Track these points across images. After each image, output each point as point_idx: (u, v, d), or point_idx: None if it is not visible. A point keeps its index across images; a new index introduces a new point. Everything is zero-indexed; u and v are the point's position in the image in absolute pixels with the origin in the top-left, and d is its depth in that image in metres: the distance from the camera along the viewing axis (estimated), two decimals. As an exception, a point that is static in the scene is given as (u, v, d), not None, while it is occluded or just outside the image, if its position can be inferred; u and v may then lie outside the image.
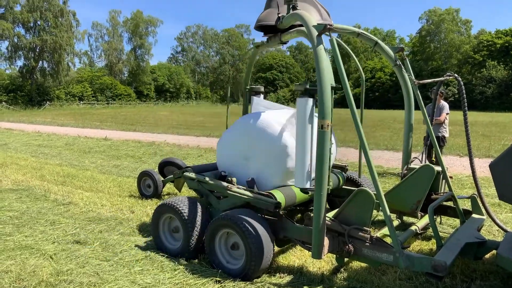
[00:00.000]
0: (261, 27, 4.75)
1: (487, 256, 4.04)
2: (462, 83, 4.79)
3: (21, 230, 5.23)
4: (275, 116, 4.56)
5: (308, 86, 3.83)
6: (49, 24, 52.96)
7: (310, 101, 3.81)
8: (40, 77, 55.06)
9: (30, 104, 50.32)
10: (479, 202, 4.52)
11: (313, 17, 3.80)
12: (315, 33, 3.47)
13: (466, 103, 4.74)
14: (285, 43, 4.86)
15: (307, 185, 3.89)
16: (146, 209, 6.22)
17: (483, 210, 4.51)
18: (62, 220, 5.66)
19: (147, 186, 7.00)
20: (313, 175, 3.67)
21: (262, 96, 6.05)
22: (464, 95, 4.74)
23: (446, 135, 8.59)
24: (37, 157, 11.76)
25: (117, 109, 51.41)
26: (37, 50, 53.87)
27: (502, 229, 4.56)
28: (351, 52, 5.00)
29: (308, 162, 3.85)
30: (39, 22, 52.75)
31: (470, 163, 4.65)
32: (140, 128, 21.88)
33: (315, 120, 3.74)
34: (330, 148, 3.41)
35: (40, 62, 55.15)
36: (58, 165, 10.34)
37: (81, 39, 63.21)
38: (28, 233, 5.13)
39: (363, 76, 5.35)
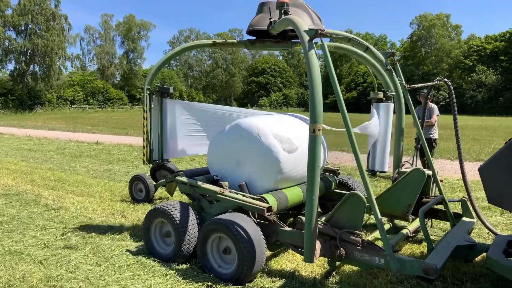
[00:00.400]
0: (253, 32, 4.77)
1: (478, 259, 4.08)
2: (452, 87, 4.84)
3: (10, 235, 5.17)
4: (269, 126, 4.54)
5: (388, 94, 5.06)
6: (41, 27, 52.66)
7: (391, 105, 5.10)
8: (31, 80, 54.64)
9: (21, 108, 49.90)
10: (469, 205, 4.56)
11: (304, 22, 3.82)
12: (306, 38, 3.49)
13: (456, 107, 4.80)
14: (291, 49, 4.92)
15: (386, 169, 5.43)
16: (138, 214, 6.19)
17: (473, 213, 4.55)
18: (53, 225, 5.61)
19: (138, 191, 6.96)
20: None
21: (169, 98, 5.91)
22: (454, 100, 4.79)
23: (437, 136, 8.68)
24: (27, 161, 11.65)
25: (109, 113, 51.13)
26: (28, 54, 53.50)
27: (492, 232, 4.61)
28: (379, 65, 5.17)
29: (388, 152, 5.35)
30: (30, 26, 52.43)
31: (461, 167, 4.69)
32: (132, 132, 21.76)
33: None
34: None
35: (31, 65, 54.76)
36: (49, 170, 10.26)
37: (73, 43, 62.74)
38: (18, 238, 5.08)
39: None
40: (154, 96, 5.83)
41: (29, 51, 53.06)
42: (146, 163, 5.85)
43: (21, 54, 52.94)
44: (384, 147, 5.40)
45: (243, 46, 5.25)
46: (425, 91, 8.37)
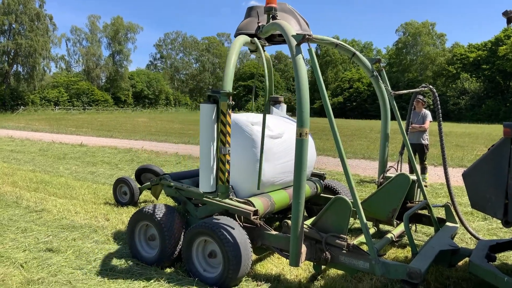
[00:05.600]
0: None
1: (460, 263, 4.13)
2: (436, 94, 4.93)
3: (-10, 238, 5.05)
4: (254, 121, 4.53)
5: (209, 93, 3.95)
6: (25, 27, 51.82)
7: (211, 107, 3.88)
8: (14, 81, 53.69)
9: (3, 109, 49.02)
10: (453, 210, 4.63)
11: (292, 27, 3.84)
12: (294, 42, 3.51)
13: (440, 114, 4.88)
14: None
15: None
16: (122, 217, 6.11)
17: (456, 218, 4.62)
18: (34, 228, 5.49)
19: (123, 193, 6.88)
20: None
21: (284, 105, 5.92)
22: (439, 106, 4.87)
23: (428, 142, 8.78)
24: (9, 163, 11.43)
25: (94, 115, 50.56)
26: (12, 54, 52.59)
27: (475, 237, 4.68)
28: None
29: (215, 167, 3.94)
30: (14, 26, 51.55)
31: (445, 173, 4.77)
32: (117, 135, 21.55)
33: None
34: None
35: (15, 66, 53.85)
36: (31, 171, 10.07)
37: (58, 44, 61.93)
38: (-2, 241, 4.96)
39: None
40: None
41: (12, 51, 52.17)
42: None
43: (4, 54, 52.02)
44: (208, 160, 3.93)
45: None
46: (421, 96, 8.52)
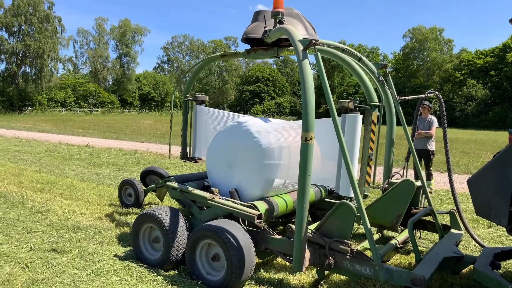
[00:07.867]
0: (247, 40, 4.80)
1: (465, 270, 4.11)
2: (442, 100, 4.92)
3: (-4, 238, 5.09)
4: (264, 126, 4.54)
5: (358, 104, 4.61)
6: (34, 29, 52.32)
7: (360, 117, 4.59)
8: (22, 82, 54.16)
9: (11, 109, 49.43)
10: (458, 217, 4.61)
11: (299, 32, 3.86)
12: (300, 47, 3.53)
13: (446, 120, 4.86)
14: (279, 56, 4.92)
15: (352, 194, 4.47)
16: (126, 219, 6.14)
17: (461, 225, 4.60)
18: (40, 228, 5.53)
19: (128, 195, 6.91)
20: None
21: (204, 105, 6.10)
22: (444, 112, 4.86)
23: (434, 148, 8.75)
24: (16, 163, 11.52)
25: (100, 117, 50.84)
26: (20, 55, 53.09)
27: (479, 244, 4.66)
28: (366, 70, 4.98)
29: (356, 174, 4.24)
30: (23, 27, 52.07)
31: (449, 179, 4.75)
32: (122, 136, 21.65)
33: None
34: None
35: (23, 67, 54.33)
36: (37, 172, 10.14)
37: (66, 45, 62.21)
38: (4, 240, 5.00)
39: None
40: (191, 103, 6.24)
41: (21, 52, 52.66)
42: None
43: (12, 55, 52.51)
44: (350, 167, 4.59)
45: (241, 56, 5.29)
46: (427, 102, 8.50)
